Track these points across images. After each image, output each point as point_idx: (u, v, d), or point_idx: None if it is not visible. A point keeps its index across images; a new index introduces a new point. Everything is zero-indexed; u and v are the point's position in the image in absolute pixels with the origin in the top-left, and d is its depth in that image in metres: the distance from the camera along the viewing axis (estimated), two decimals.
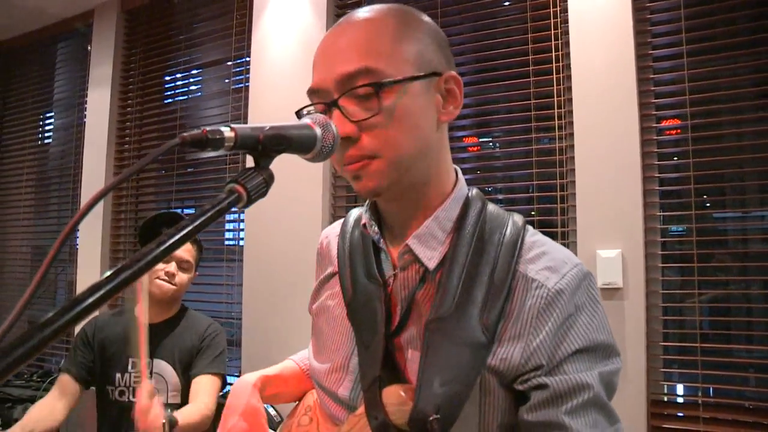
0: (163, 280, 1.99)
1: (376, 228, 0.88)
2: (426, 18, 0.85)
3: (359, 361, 0.84)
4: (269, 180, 0.59)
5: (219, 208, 0.53)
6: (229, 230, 3.35)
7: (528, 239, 0.83)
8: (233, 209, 0.55)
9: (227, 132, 0.55)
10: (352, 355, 0.87)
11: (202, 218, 0.51)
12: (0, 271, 4.50)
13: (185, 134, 0.52)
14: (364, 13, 0.81)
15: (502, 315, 0.76)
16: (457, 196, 0.86)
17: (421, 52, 0.80)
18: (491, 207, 0.87)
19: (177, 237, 0.48)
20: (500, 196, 2.60)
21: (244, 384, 0.96)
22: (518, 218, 0.86)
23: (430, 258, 0.81)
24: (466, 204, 0.86)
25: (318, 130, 0.68)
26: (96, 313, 2.29)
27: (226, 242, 3.32)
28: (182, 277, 2.04)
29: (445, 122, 0.84)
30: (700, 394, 2.05)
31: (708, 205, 2.22)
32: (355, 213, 1.00)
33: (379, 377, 0.79)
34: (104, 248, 3.62)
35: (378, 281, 0.85)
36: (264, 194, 0.58)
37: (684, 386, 2.18)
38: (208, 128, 0.54)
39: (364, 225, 0.90)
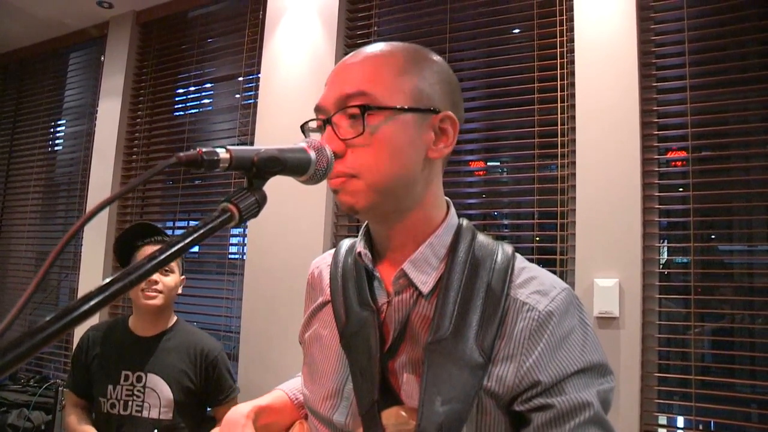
0: (148, 292, 2.00)
1: (370, 256, 0.91)
2: (437, 58, 0.90)
3: (354, 386, 0.86)
4: (261, 201, 0.61)
5: (211, 226, 0.55)
6: (232, 244, 3.36)
7: (518, 266, 0.86)
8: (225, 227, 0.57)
9: (222, 153, 0.58)
10: (346, 382, 0.89)
11: (194, 235, 0.53)
12: (4, 275, 4.53)
13: (181, 154, 0.54)
14: (379, 45, 0.87)
15: (496, 337, 0.79)
16: (449, 224, 0.89)
17: (421, 88, 0.84)
18: (481, 236, 0.91)
19: (168, 252, 0.50)
20: (506, 222, 2.62)
21: (238, 415, 0.97)
22: (508, 247, 0.89)
23: (425, 282, 0.84)
24: (458, 233, 0.89)
25: (312, 154, 0.70)
26: (94, 321, 2.31)
27: (229, 256, 3.34)
28: (166, 282, 2.04)
29: (435, 159, 0.87)
30: (699, 427, 2.04)
31: (713, 237, 2.23)
32: (346, 243, 1.03)
33: (377, 401, 0.81)
34: (107, 257, 3.64)
35: (371, 308, 0.87)
36: (255, 214, 0.60)
37: (678, 418, 2.17)
38: (204, 149, 0.56)
39: (359, 253, 0.92)
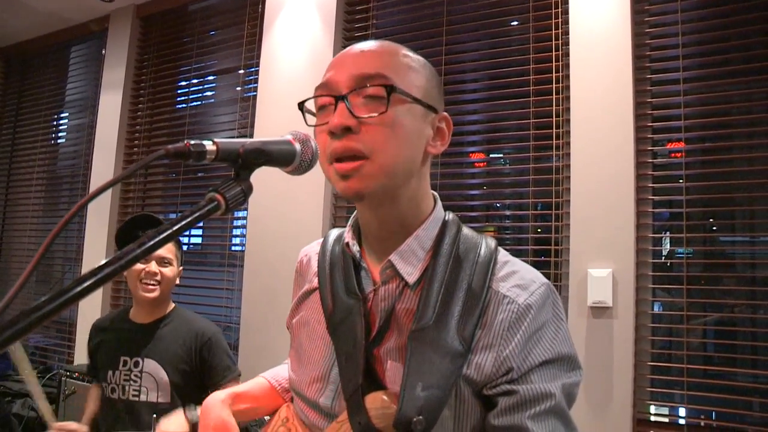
0: (147, 282, 2.04)
1: (357, 247, 0.94)
2: (429, 64, 0.94)
3: (340, 371, 0.89)
4: (247, 191, 0.64)
5: (198, 214, 0.58)
6: (233, 236, 3.39)
7: (500, 259, 0.89)
8: (212, 216, 0.60)
9: (209, 145, 0.60)
10: (332, 366, 0.92)
11: (182, 223, 0.56)
12: (7, 267, 4.58)
13: (170, 146, 0.57)
14: (386, 42, 0.91)
15: (476, 327, 0.82)
16: (435, 218, 0.93)
17: (426, 87, 0.89)
18: (466, 230, 0.94)
19: (157, 239, 0.53)
20: (508, 213, 2.65)
21: (214, 401, 1.02)
22: (491, 241, 0.92)
23: (410, 273, 0.88)
24: (444, 226, 0.92)
25: (297, 146, 0.73)
26: (97, 315, 2.35)
27: (230, 248, 3.37)
28: (165, 273, 2.08)
29: (430, 154, 0.91)
30: (700, 416, 2.09)
31: (714, 228, 2.26)
32: (335, 233, 1.06)
33: (361, 385, 0.84)
34: (109, 248, 3.68)
35: (358, 296, 0.91)
36: (242, 203, 0.63)
37: (674, 408, 2.20)
38: (192, 141, 0.59)
39: (347, 244, 0.95)
